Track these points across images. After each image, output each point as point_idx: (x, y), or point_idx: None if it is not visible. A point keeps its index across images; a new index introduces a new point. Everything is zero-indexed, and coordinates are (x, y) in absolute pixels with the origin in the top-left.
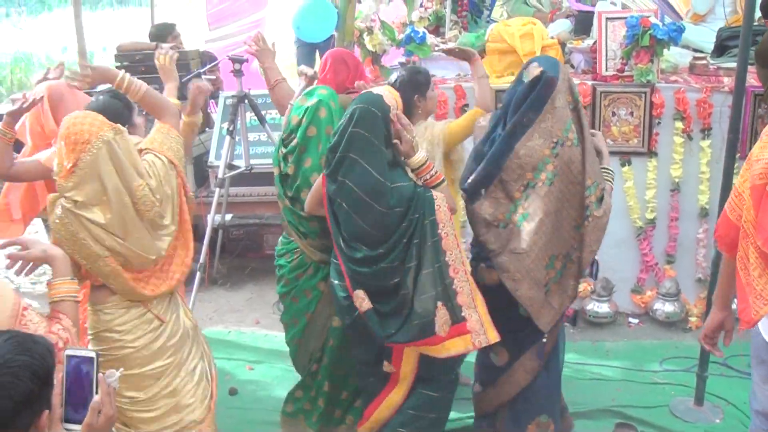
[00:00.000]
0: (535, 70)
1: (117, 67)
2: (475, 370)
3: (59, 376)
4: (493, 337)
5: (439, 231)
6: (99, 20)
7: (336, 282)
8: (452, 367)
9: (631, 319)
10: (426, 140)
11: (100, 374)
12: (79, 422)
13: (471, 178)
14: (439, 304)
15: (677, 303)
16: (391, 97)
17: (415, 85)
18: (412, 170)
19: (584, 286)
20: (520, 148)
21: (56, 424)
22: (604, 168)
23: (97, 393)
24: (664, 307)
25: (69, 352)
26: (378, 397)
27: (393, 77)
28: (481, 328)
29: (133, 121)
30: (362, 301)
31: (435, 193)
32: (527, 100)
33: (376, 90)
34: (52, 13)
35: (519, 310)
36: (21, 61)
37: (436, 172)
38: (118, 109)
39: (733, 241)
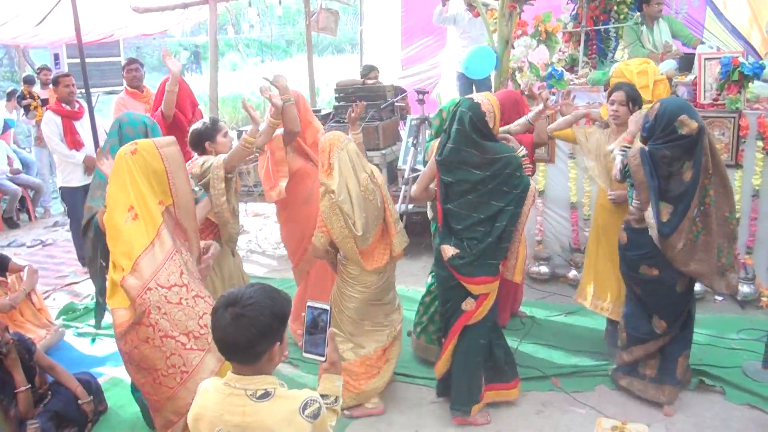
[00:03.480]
0: (691, 124)
1: (336, 98)
2: (632, 333)
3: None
4: (517, 279)
5: (523, 208)
6: (324, 63)
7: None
8: (497, 325)
9: (716, 297)
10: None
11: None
12: (315, 353)
13: (667, 224)
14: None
15: (753, 286)
16: (489, 101)
17: (635, 99)
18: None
19: None
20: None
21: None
22: None
23: (329, 326)
24: (743, 289)
25: (310, 303)
26: (452, 330)
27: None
28: (512, 268)
29: (215, 139)
30: (447, 251)
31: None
32: (695, 153)
33: (476, 97)
34: (292, 58)
35: (675, 288)
36: None
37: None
38: (204, 130)
39: None
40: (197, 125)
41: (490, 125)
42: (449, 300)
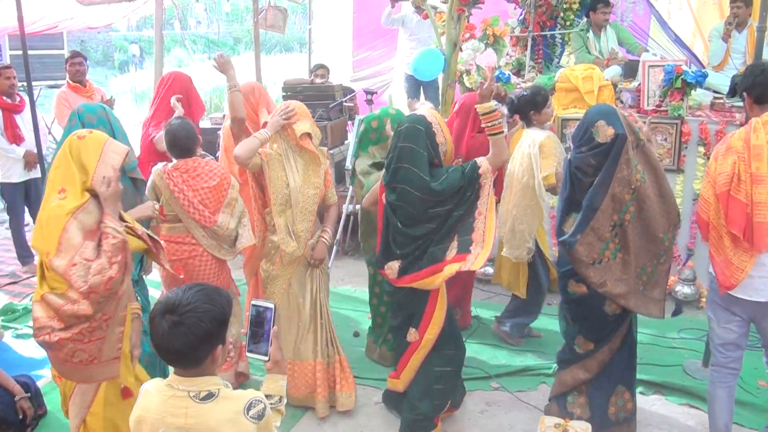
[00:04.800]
0: (607, 130)
1: (283, 96)
2: (558, 356)
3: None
4: (477, 266)
5: (480, 181)
6: (272, 62)
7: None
8: (460, 343)
9: None
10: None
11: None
12: (259, 353)
13: (570, 233)
14: (455, 237)
15: (693, 287)
16: (432, 114)
17: (533, 103)
18: (481, 115)
19: None
20: (606, 201)
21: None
22: None
23: (273, 325)
24: (684, 289)
25: (254, 302)
26: (404, 358)
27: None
28: (474, 260)
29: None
30: (395, 268)
31: (479, 159)
32: (608, 160)
33: (420, 111)
34: (240, 56)
35: (603, 308)
36: (217, 91)
37: (498, 123)
38: (191, 128)
39: (706, 232)
40: (184, 128)
41: (438, 139)
42: (401, 318)
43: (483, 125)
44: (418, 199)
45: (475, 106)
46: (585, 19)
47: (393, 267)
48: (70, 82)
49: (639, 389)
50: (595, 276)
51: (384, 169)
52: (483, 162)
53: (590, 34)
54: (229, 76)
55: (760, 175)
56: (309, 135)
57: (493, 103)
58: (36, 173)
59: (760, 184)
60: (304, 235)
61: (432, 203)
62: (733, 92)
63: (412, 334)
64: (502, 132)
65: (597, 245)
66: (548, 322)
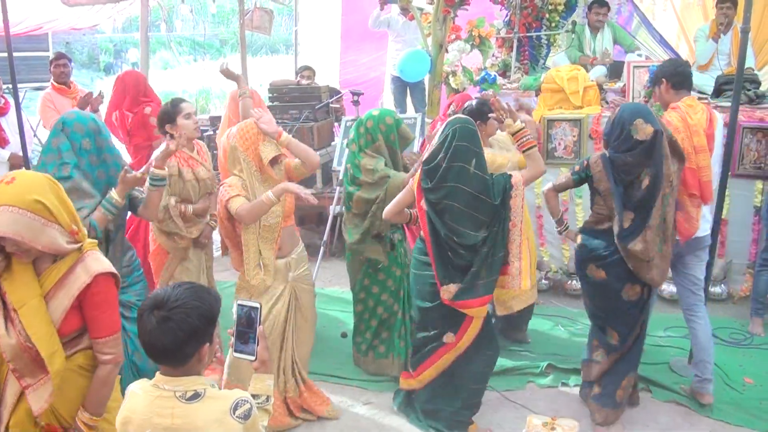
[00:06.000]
0: (646, 128)
1: (269, 98)
2: (593, 345)
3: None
4: (525, 285)
5: (511, 192)
6: (258, 64)
7: (419, 272)
8: (497, 344)
9: None
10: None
11: (260, 328)
12: (246, 353)
13: (627, 231)
14: (510, 257)
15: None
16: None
17: (479, 114)
18: (512, 134)
19: None
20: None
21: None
22: None
23: (260, 324)
24: (669, 288)
25: (240, 302)
26: (431, 359)
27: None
28: (517, 275)
29: (176, 121)
30: (452, 290)
31: (512, 172)
32: (653, 158)
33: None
34: (226, 58)
35: (621, 294)
36: (203, 93)
37: (529, 138)
38: (168, 111)
39: None
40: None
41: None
42: (431, 327)
43: (515, 144)
44: (474, 199)
45: (506, 130)
46: (570, 20)
47: (450, 290)
48: (55, 83)
49: None
50: (645, 269)
51: (425, 172)
52: (516, 174)
53: (587, 33)
54: (239, 84)
55: (702, 146)
56: (276, 160)
57: (519, 120)
58: None
59: (702, 153)
60: (269, 263)
61: (481, 206)
62: (718, 92)
63: (449, 336)
64: (535, 146)
65: (654, 241)
66: (535, 322)
